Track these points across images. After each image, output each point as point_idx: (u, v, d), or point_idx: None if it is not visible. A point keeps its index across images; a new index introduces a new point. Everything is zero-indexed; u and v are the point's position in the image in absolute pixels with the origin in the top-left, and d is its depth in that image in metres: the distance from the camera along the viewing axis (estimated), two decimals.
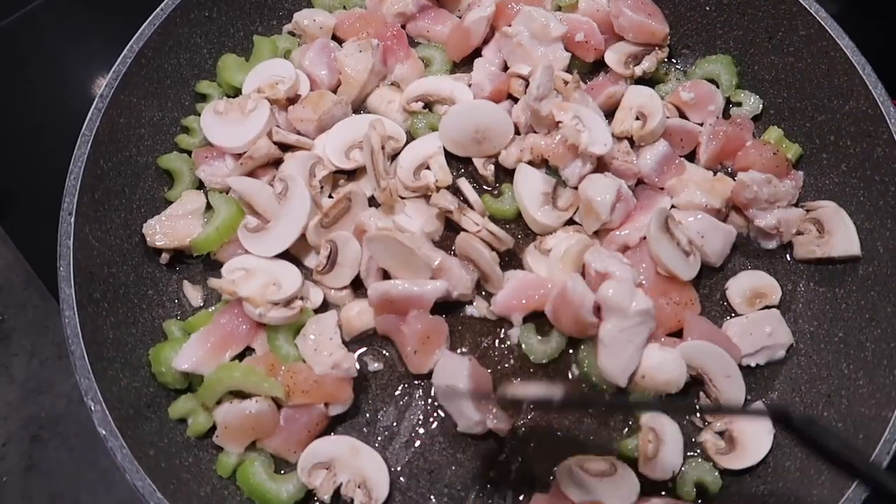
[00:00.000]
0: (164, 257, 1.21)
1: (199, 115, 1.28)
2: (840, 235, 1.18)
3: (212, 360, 1.11)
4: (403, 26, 1.38)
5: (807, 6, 1.22)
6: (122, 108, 1.20)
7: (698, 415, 1.13)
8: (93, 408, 1.00)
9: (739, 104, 1.33)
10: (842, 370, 1.12)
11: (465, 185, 1.25)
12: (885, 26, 1.49)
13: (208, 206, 1.23)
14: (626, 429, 1.12)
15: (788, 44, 1.27)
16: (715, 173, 1.27)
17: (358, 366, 1.09)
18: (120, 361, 1.09)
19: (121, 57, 1.21)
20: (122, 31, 1.24)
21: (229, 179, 1.20)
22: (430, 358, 1.12)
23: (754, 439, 1.08)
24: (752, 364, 1.14)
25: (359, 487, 1.06)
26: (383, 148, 1.20)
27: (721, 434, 1.10)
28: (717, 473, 1.07)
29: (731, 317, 1.18)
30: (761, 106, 1.32)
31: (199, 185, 1.26)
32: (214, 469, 1.09)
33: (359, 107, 1.34)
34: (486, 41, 1.36)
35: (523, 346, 1.14)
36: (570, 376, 1.14)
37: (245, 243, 1.17)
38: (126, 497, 1.24)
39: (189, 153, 1.27)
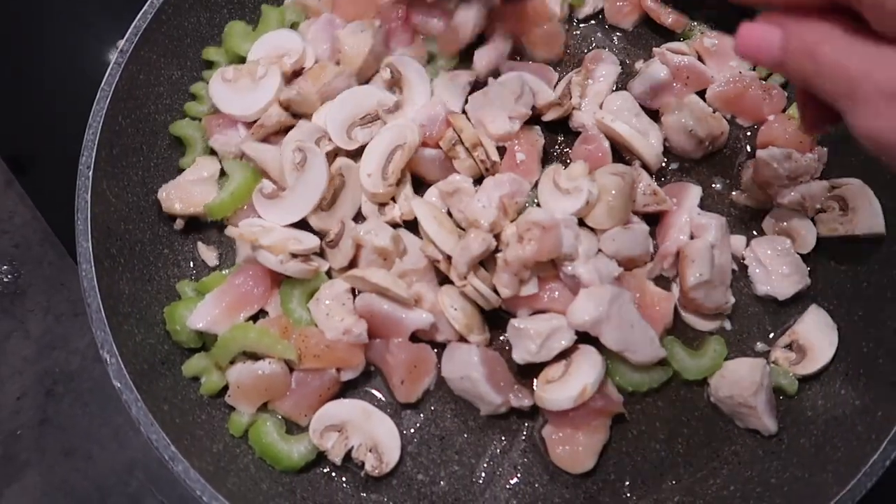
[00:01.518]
0: (179, 223, 1.20)
1: (207, 81, 1.26)
2: (865, 213, 1.15)
3: (226, 321, 1.10)
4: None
5: None
6: (142, 64, 1.20)
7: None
8: (108, 360, 1.01)
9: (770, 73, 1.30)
10: (860, 348, 1.10)
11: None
12: None
13: (223, 173, 1.22)
14: None
15: None
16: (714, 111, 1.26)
17: None
18: (135, 317, 1.09)
19: (140, 13, 1.20)
20: None
21: (243, 146, 1.18)
22: (419, 386, 1.10)
23: (820, 339, 1.12)
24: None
25: (370, 451, 1.06)
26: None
27: (789, 346, 1.14)
28: (791, 376, 1.11)
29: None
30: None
31: (213, 152, 1.25)
32: (227, 427, 1.09)
33: None
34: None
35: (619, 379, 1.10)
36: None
37: (259, 209, 1.15)
38: (137, 454, 1.25)
39: (199, 120, 1.25)
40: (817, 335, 1.13)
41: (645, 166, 1.21)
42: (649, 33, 1.36)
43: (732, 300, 1.15)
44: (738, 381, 1.08)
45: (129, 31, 1.18)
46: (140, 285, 1.14)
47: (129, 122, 1.18)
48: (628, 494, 1.08)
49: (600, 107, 1.25)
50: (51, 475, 1.24)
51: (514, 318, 1.09)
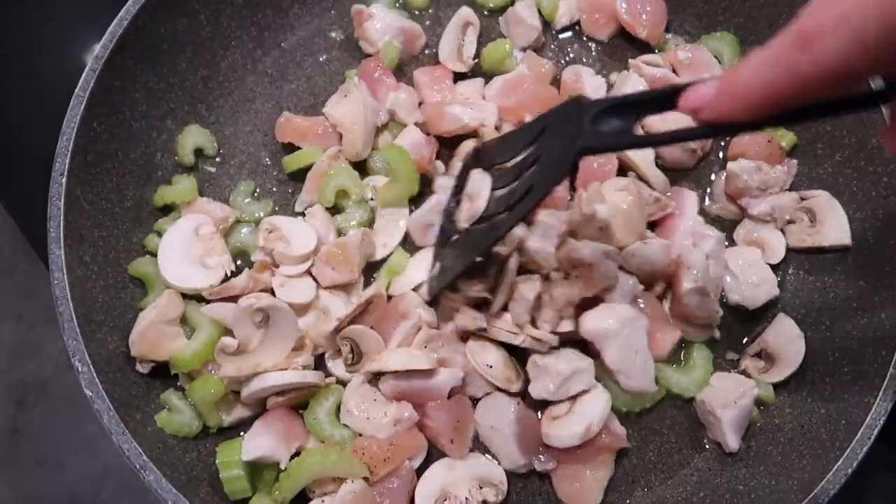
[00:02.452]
0: (145, 367, 1.09)
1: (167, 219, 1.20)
2: (831, 225, 1.18)
3: (284, 448, 1.04)
4: None
5: None
6: (117, 70, 1.19)
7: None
8: (80, 369, 1.00)
9: None
10: (827, 357, 1.13)
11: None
12: None
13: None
14: None
15: None
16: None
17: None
18: (108, 325, 1.09)
19: (117, 18, 1.19)
20: None
21: (204, 309, 1.09)
22: (468, 436, 1.08)
23: (788, 348, 1.14)
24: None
25: (481, 488, 1.05)
26: None
27: (758, 355, 1.16)
28: (769, 385, 1.13)
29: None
30: None
31: None
32: (199, 437, 1.09)
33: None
34: None
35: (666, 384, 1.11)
36: None
37: (223, 367, 1.06)
38: (111, 462, 1.24)
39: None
40: (785, 344, 1.15)
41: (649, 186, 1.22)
42: (625, 45, 1.38)
43: (721, 311, 1.16)
44: (716, 390, 1.11)
45: (105, 36, 1.18)
46: (114, 293, 1.13)
47: (103, 129, 1.17)
48: (602, 501, 1.09)
49: None
50: (21, 486, 1.23)
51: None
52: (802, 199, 1.24)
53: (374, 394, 1.07)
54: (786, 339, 1.15)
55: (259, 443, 1.02)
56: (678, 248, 1.15)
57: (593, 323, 1.05)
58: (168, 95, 1.29)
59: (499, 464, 1.08)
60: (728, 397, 1.09)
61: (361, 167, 1.26)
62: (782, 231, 1.23)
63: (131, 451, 0.96)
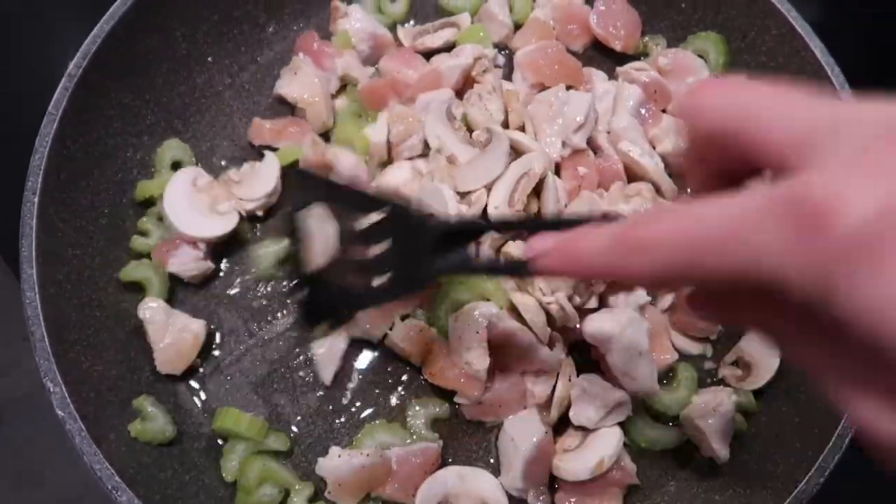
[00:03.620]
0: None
1: (148, 216, 1.22)
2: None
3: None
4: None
5: (779, 6, 1.23)
6: (91, 88, 1.19)
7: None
8: (52, 390, 1.00)
9: None
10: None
11: None
12: (855, 29, 1.50)
13: None
14: None
15: (761, 43, 1.28)
16: None
17: None
18: (82, 344, 1.08)
19: (91, 36, 1.19)
20: (94, 10, 1.22)
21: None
22: None
23: (764, 356, 1.15)
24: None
25: None
26: None
27: (735, 363, 1.17)
28: (749, 392, 1.13)
29: None
30: None
31: (171, 283, 1.19)
32: (175, 455, 1.09)
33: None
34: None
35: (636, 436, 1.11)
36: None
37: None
38: (91, 477, 1.23)
39: (147, 256, 1.19)
40: (761, 352, 1.16)
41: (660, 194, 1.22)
42: (599, 56, 1.39)
43: (721, 325, 1.17)
44: (697, 404, 1.11)
45: (78, 54, 1.17)
46: (88, 311, 1.12)
47: (77, 147, 1.17)
48: None
49: (608, 130, 1.25)
50: (1, 501, 1.22)
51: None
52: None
53: (481, 327, 1.05)
54: (761, 346, 1.16)
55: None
56: None
57: (596, 325, 1.05)
58: (144, 112, 1.28)
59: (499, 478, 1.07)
60: (707, 407, 1.09)
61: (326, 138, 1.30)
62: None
63: (103, 473, 0.96)
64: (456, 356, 1.06)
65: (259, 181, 1.23)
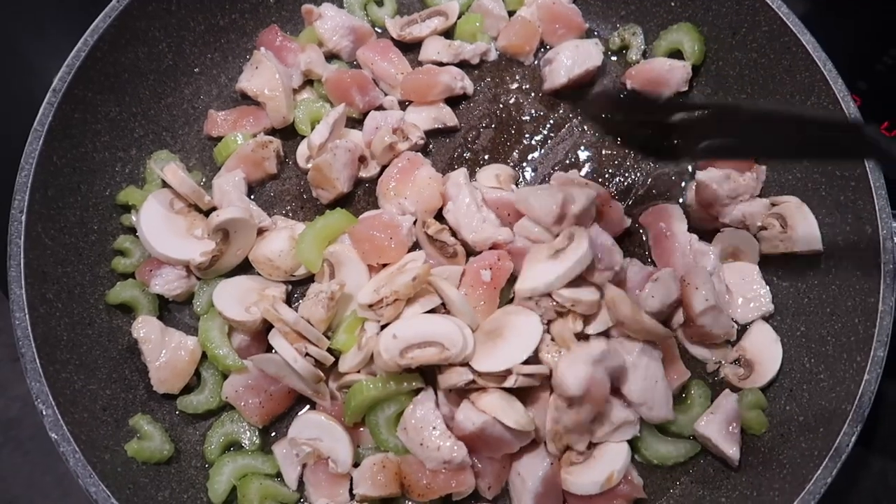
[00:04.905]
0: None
1: (126, 232, 1.21)
2: (802, 230, 1.18)
3: None
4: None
5: (769, 2, 1.22)
6: (77, 102, 1.17)
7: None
8: (44, 412, 0.97)
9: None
10: (803, 364, 1.12)
11: None
12: (845, 23, 1.50)
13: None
14: None
15: (752, 40, 1.27)
16: None
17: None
18: (74, 363, 1.06)
19: (74, 50, 1.17)
20: (79, 23, 1.20)
21: (252, 360, 1.08)
22: (501, 485, 1.06)
23: (765, 353, 1.14)
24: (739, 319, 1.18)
25: None
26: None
27: (737, 362, 1.15)
28: (757, 390, 1.11)
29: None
30: None
31: (160, 305, 1.17)
32: (172, 474, 1.06)
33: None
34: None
35: (646, 452, 1.08)
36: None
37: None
38: (83, 502, 1.21)
39: (132, 276, 1.17)
40: (763, 349, 1.15)
41: None
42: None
43: (735, 326, 1.16)
44: (705, 415, 1.09)
45: (62, 69, 1.16)
46: (80, 329, 1.10)
47: (64, 162, 1.15)
48: None
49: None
50: None
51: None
52: (773, 205, 1.24)
53: (437, 422, 1.01)
54: (763, 344, 1.15)
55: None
56: (681, 267, 1.15)
57: (611, 357, 1.01)
58: (131, 125, 1.27)
59: None
60: (717, 415, 1.08)
61: (290, 132, 1.29)
62: (756, 238, 1.23)
63: (99, 496, 0.94)
64: (431, 464, 1.01)
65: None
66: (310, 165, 1.24)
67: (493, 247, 1.14)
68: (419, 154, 1.24)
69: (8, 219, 1.07)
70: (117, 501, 0.93)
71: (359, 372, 1.07)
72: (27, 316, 1.02)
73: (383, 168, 1.25)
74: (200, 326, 1.11)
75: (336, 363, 1.08)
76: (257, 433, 1.10)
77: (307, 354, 1.04)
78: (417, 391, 1.05)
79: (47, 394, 0.98)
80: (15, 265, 1.04)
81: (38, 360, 0.99)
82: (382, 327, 1.06)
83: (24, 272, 1.04)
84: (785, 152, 1.04)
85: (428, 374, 1.06)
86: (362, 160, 1.26)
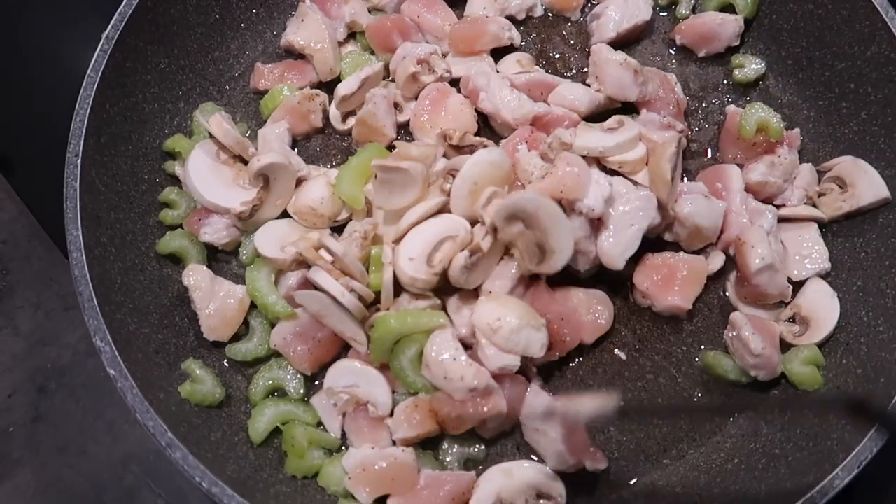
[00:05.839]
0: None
1: (172, 183, 1.22)
2: (864, 184, 1.15)
3: None
4: None
5: None
6: (129, 51, 1.18)
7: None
8: (102, 348, 0.99)
9: (742, 66, 1.29)
10: (861, 318, 1.10)
11: None
12: None
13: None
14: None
15: None
16: None
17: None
18: (128, 307, 1.08)
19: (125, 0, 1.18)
20: None
21: (297, 296, 1.07)
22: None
23: (821, 310, 1.12)
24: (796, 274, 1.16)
25: (538, 498, 1.02)
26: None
27: (792, 319, 1.13)
28: (814, 346, 1.09)
29: None
30: (763, 69, 1.29)
31: (210, 252, 1.18)
32: (224, 417, 1.08)
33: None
34: None
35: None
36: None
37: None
38: (133, 448, 1.23)
39: (179, 226, 1.19)
40: (819, 306, 1.13)
41: None
42: None
43: (790, 287, 1.14)
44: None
45: (115, 17, 1.17)
46: (132, 275, 1.12)
47: (116, 111, 1.17)
48: (632, 471, 1.07)
49: None
50: (44, 473, 1.22)
51: None
52: (824, 171, 1.21)
53: (457, 352, 1.01)
54: (819, 301, 1.13)
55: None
56: (735, 227, 1.13)
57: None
58: (180, 77, 1.27)
59: (546, 465, 1.04)
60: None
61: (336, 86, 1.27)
62: (814, 206, 1.21)
63: (156, 429, 0.95)
64: (458, 394, 1.01)
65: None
66: (346, 126, 1.24)
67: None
68: (447, 84, 1.24)
69: (63, 170, 1.08)
70: (174, 436, 0.94)
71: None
72: (83, 256, 1.03)
73: None
74: (247, 275, 1.12)
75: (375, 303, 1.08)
76: (303, 382, 1.10)
77: (351, 290, 1.04)
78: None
79: (105, 331, 0.99)
80: (71, 207, 1.06)
81: (95, 300, 1.01)
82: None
83: (80, 215, 1.06)
84: None
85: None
86: (397, 106, 1.26)
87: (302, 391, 1.10)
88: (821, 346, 1.11)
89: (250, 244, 1.16)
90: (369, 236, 1.09)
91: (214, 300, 1.12)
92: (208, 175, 1.18)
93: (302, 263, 1.09)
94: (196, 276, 1.12)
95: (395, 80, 1.27)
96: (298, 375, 1.10)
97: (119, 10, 1.18)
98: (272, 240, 1.13)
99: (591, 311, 1.11)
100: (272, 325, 1.12)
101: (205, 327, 1.11)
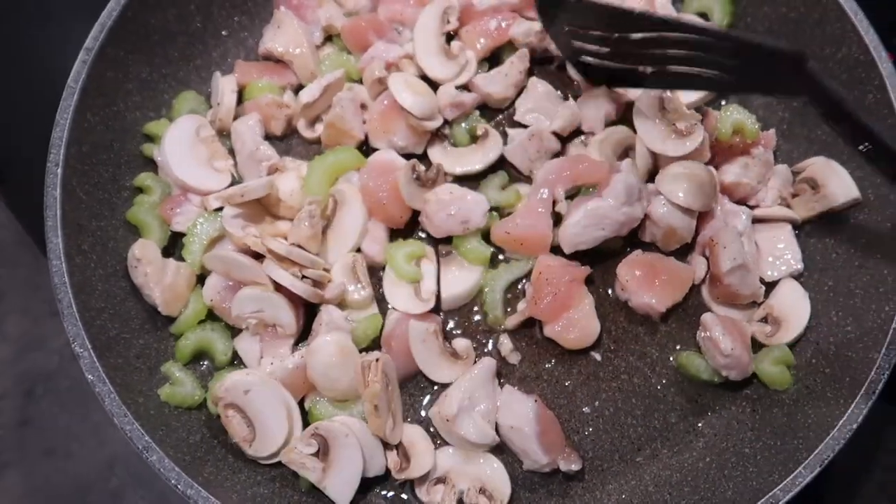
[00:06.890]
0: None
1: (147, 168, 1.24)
2: (835, 185, 1.17)
3: None
4: None
5: None
6: (109, 61, 1.20)
7: None
8: (81, 354, 1.01)
9: None
10: (831, 317, 1.12)
11: None
12: None
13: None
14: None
15: None
16: None
17: None
18: (109, 312, 1.10)
19: (106, 10, 1.20)
20: None
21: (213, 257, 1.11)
22: None
23: (793, 310, 1.13)
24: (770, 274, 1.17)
25: (481, 493, 1.04)
26: None
27: (764, 320, 1.14)
28: (784, 347, 1.10)
29: None
30: None
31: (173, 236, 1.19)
32: (203, 420, 1.10)
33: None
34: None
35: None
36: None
37: None
38: (118, 450, 1.25)
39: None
40: (791, 306, 1.14)
41: None
42: None
43: (763, 287, 1.15)
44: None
45: (95, 27, 1.18)
46: (114, 281, 1.14)
47: (98, 120, 1.18)
48: (606, 470, 1.09)
49: None
50: (31, 475, 1.24)
51: None
52: (797, 172, 1.23)
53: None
54: (791, 301, 1.14)
55: None
56: (710, 229, 1.15)
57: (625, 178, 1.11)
58: (162, 86, 1.29)
59: (521, 465, 1.06)
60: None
61: None
62: (789, 207, 1.22)
63: (133, 433, 0.97)
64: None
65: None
66: (315, 134, 1.26)
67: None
68: None
69: (43, 176, 1.10)
70: (151, 440, 0.96)
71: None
72: (64, 264, 1.05)
73: None
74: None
75: None
76: (230, 346, 1.13)
77: (304, 277, 1.08)
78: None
79: (83, 337, 1.01)
80: (52, 215, 1.08)
81: (74, 306, 1.03)
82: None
83: (60, 223, 1.08)
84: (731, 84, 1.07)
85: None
86: (363, 107, 1.27)
87: (229, 355, 1.12)
88: (791, 345, 1.12)
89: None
90: (315, 214, 1.12)
91: (166, 276, 1.12)
92: (185, 150, 1.20)
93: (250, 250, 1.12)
94: (147, 251, 1.13)
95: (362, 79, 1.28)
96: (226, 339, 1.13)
97: (100, 19, 1.19)
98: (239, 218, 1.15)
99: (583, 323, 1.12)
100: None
101: (160, 301, 1.11)
